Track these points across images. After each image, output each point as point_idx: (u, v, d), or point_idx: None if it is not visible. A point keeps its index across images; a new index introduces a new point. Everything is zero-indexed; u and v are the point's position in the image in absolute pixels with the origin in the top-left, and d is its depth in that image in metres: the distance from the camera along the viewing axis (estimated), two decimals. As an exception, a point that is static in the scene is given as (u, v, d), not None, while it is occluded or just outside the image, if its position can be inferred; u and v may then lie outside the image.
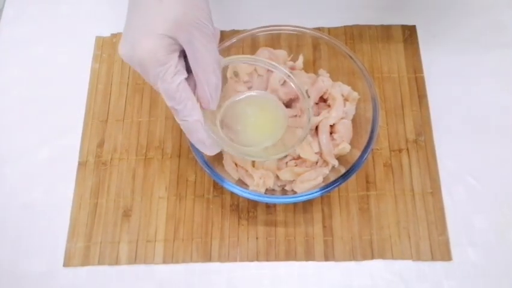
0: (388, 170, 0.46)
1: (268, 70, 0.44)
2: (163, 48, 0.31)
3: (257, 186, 0.42)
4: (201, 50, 0.32)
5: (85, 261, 0.44)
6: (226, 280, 0.43)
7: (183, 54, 0.34)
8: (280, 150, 0.40)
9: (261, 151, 0.40)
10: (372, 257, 0.43)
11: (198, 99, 0.34)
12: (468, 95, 0.49)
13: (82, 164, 0.48)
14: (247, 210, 0.45)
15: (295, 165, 0.43)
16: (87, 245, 0.44)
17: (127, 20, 0.34)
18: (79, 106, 0.50)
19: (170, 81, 0.32)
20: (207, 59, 0.33)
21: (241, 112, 0.42)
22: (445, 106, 0.49)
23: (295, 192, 0.42)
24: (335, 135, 0.44)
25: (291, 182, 0.43)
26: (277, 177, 0.43)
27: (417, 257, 0.43)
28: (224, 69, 0.41)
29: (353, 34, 0.52)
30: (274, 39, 0.46)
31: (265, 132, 0.41)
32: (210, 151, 0.37)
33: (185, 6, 0.32)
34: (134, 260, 0.44)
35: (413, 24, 0.53)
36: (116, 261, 0.44)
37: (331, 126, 0.44)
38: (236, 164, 0.44)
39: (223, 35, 0.53)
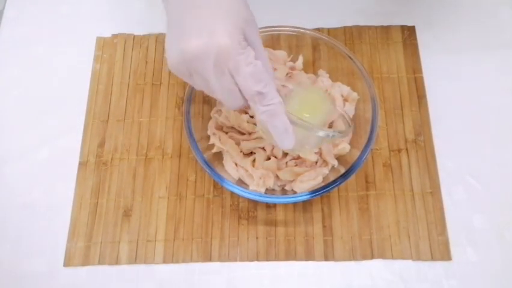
0: (387, 170, 0.46)
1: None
2: (241, 35, 0.31)
3: (257, 186, 0.42)
4: (261, 45, 0.33)
5: (85, 261, 0.44)
6: (226, 280, 0.43)
7: None
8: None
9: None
10: (372, 257, 0.43)
11: None
12: (467, 95, 0.49)
13: (82, 164, 0.48)
14: (247, 210, 0.45)
15: (295, 165, 0.43)
16: (87, 245, 0.44)
17: (180, 18, 0.32)
18: (80, 106, 0.50)
19: (255, 63, 0.31)
20: (267, 59, 0.34)
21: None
22: (444, 106, 0.49)
23: (295, 192, 0.42)
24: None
25: (291, 181, 0.43)
26: (277, 177, 0.43)
27: (417, 256, 0.43)
28: None
29: (353, 35, 0.52)
30: (274, 39, 0.47)
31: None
32: (290, 139, 0.34)
33: (247, 7, 0.33)
34: (134, 259, 0.44)
35: (412, 24, 0.53)
36: (116, 261, 0.44)
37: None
38: (236, 164, 0.44)
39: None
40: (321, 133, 0.37)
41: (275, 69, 0.45)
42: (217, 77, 0.32)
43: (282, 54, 0.47)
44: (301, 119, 0.35)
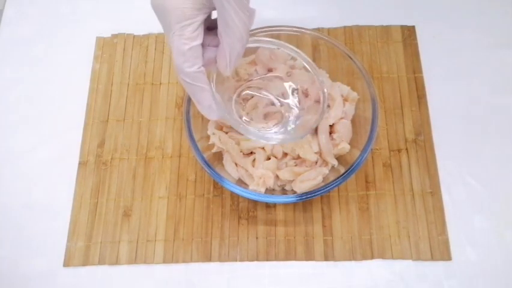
0: (387, 169, 0.46)
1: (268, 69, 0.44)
2: (191, 2, 0.31)
3: (257, 186, 0.42)
4: (231, 14, 0.32)
5: (85, 261, 0.44)
6: (226, 280, 0.43)
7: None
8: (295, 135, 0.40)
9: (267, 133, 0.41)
10: (372, 257, 0.43)
11: (216, 60, 0.35)
12: (467, 94, 0.49)
13: (82, 164, 0.48)
14: (247, 210, 0.45)
15: (295, 165, 0.43)
16: (87, 245, 0.44)
17: None
18: (80, 106, 0.50)
19: (189, 41, 0.32)
20: (236, 23, 0.33)
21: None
22: (444, 106, 0.49)
23: (295, 192, 0.42)
24: (335, 135, 0.44)
25: (291, 181, 0.43)
26: (277, 177, 0.43)
27: (417, 256, 0.43)
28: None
29: (353, 34, 0.52)
30: (274, 39, 0.46)
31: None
32: (215, 113, 0.36)
33: None
34: (134, 259, 0.44)
35: (412, 24, 0.53)
36: (116, 261, 0.44)
37: (330, 126, 0.45)
38: (236, 164, 0.44)
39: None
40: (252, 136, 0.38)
41: (273, 69, 0.45)
42: (167, 38, 0.33)
43: (282, 53, 0.47)
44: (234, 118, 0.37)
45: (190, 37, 0.32)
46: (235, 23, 0.32)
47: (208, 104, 0.35)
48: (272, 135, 0.41)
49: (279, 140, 0.39)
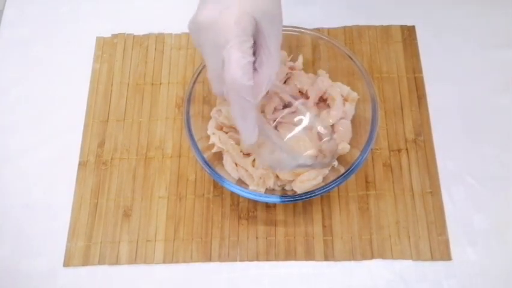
0: (387, 169, 0.46)
1: None
2: (251, 24, 0.31)
3: (257, 186, 0.42)
4: (274, 45, 0.33)
5: (85, 261, 0.44)
6: (226, 280, 0.43)
7: None
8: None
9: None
10: (372, 257, 0.43)
11: None
12: (467, 95, 0.49)
13: (82, 164, 0.48)
14: (247, 210, 0.45)
15: (295, 165, 0.43)
16: (87, 245, 0.44)
17: None
18: (80, 106, 0.50)
19: (246, 55, 0.31)
20: (278, 53, 0.33)
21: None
22: (444, 106, 0.49)
23: (295, 192, 0.42)
24: (335, 135, 0.44)
25: (291, 181, 0.43)
26: (277, 177, 0.43)
27: (417, 256, 0.43)
28: None
29: (352, 34, 0.52)
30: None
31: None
32: (255, 136, 0.35)
33: (275, 3, 0.33)
34: (134, 259, 0.44)
35: (412, 24, 0.53)
36: (116, 261, 0.44)
37: (331, 126, 0.45)
38: (236, 164, 0.44)
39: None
40: (288, 157, 0.37)
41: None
42: (211, 53, 0.32)
43: (282, 54, 0.47)
44: (275, 132, 0.36)
45: (247, 52, 0.31)
46: (276, 52, 0.33)
47: (253, 124, 0.34)
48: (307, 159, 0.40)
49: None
